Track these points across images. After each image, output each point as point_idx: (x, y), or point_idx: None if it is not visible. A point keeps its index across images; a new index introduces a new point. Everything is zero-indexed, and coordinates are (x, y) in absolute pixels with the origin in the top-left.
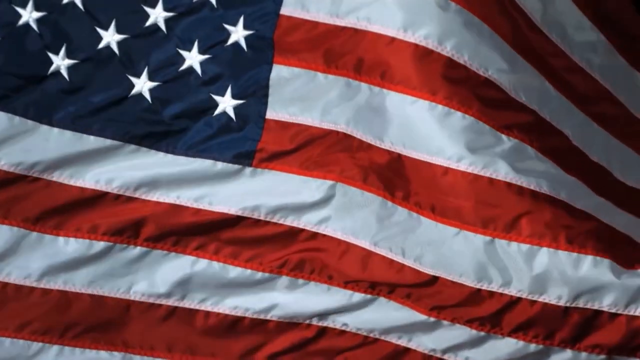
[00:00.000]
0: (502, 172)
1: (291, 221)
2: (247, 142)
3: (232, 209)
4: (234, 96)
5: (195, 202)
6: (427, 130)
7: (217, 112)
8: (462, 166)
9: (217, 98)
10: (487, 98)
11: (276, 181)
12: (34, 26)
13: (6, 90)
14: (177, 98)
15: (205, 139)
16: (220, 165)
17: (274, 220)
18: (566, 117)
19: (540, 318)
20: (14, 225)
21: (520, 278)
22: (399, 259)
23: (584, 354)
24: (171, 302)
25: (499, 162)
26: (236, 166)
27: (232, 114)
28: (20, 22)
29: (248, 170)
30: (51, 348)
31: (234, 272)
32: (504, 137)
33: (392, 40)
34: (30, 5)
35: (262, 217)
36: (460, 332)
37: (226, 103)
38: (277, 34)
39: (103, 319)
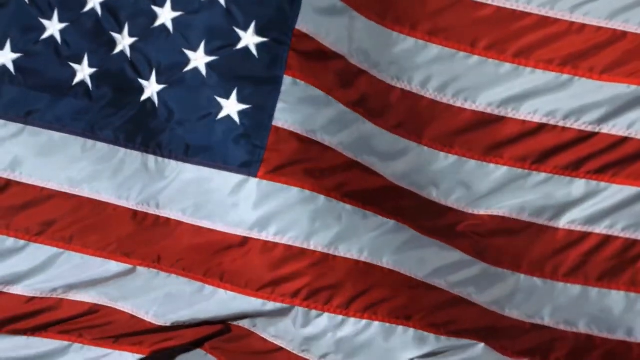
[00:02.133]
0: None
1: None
2: (253, 150)
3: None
4: (240, 100)
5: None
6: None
7: (220, 115)
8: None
9: (221, 101)
10: None
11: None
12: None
13: None
14: (178, 100)
15: (208, 145)
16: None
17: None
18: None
19: None
20: None
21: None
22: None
23: None
24: None
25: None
26: (241, 176)
27: (237, 118)
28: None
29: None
30: None
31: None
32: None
33: None
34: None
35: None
36: None
37: (231, 107)
38: (291, 45)
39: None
